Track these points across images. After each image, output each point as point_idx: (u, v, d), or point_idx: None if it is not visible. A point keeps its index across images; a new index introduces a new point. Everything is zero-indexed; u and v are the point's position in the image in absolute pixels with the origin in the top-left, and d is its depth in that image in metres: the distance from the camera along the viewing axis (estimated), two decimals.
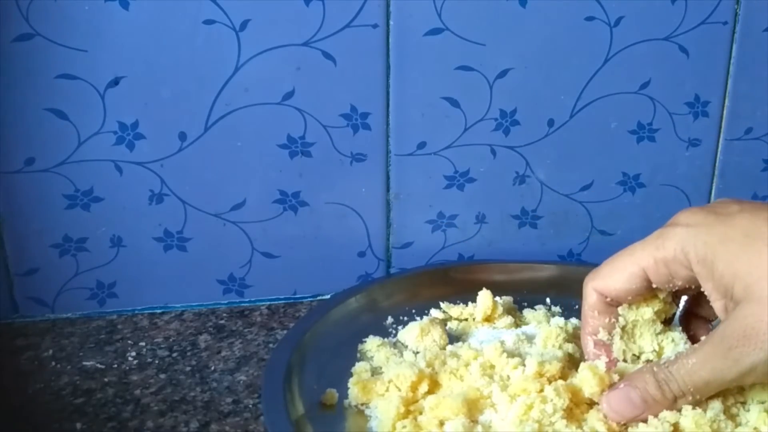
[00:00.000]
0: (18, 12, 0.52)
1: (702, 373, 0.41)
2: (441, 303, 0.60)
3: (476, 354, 0.50)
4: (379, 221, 0.63)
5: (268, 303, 0.63)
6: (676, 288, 0.45)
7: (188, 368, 0.54)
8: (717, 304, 0.43)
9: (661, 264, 0.44)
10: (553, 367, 0.46)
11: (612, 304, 0.47)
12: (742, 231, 0.41)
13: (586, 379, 0.45)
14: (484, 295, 0.58)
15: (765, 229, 0.41)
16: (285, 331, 0.58)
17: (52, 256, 0.58)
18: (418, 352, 0.53)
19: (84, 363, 0.54)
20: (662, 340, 0.48)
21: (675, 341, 0.48)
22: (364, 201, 0.62)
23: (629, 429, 0.44)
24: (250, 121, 0.58)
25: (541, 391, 0.45)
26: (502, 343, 0.51)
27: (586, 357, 0.49)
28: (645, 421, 0.43)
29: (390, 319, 0.58)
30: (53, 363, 0.54)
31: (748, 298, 0.40)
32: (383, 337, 0.55)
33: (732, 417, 0.45)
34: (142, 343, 0.57)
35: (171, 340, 0.57)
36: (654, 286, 0.46)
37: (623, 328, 0.48)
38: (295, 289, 0.63)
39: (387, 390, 0.48)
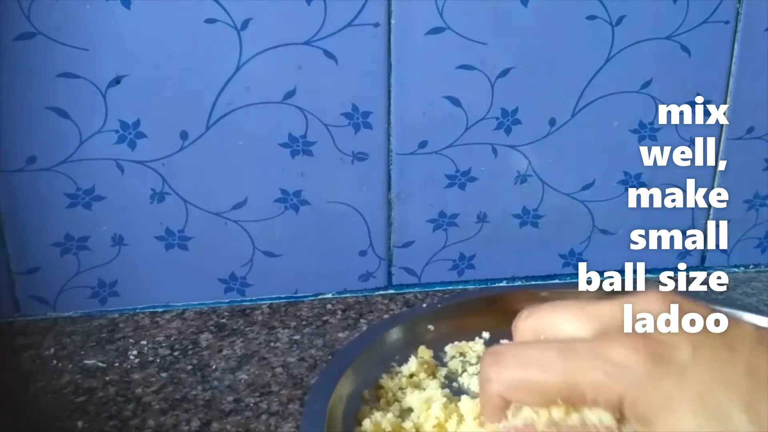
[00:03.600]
0: (19, 10, 0.52)
1: None
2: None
3: None
4: (381, 220, 0.63)
5: (270, 302, 0.63)
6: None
7: (189, 367, 0.54)
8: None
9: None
10: None
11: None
12: (695, 393, 0.33)
13: None
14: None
15: (719, 395, 0.33)
16: (287, 330, 0.59)
17: (53, 254, 0.58)
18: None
19: (85, 361, 0.54)
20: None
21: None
22: (365, 200, 0.62)
23: None
24: (252, 120, 0.58)
25: None
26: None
27: None
28: None
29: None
30: (54, 362, 0.54)
31: None
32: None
33: None
34: (144, 342, 0.57)
35: (172, 338, 0.57)
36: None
37: None
38: (296, 288, 0.63)
39: None
